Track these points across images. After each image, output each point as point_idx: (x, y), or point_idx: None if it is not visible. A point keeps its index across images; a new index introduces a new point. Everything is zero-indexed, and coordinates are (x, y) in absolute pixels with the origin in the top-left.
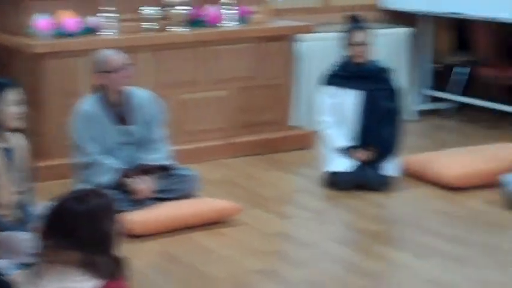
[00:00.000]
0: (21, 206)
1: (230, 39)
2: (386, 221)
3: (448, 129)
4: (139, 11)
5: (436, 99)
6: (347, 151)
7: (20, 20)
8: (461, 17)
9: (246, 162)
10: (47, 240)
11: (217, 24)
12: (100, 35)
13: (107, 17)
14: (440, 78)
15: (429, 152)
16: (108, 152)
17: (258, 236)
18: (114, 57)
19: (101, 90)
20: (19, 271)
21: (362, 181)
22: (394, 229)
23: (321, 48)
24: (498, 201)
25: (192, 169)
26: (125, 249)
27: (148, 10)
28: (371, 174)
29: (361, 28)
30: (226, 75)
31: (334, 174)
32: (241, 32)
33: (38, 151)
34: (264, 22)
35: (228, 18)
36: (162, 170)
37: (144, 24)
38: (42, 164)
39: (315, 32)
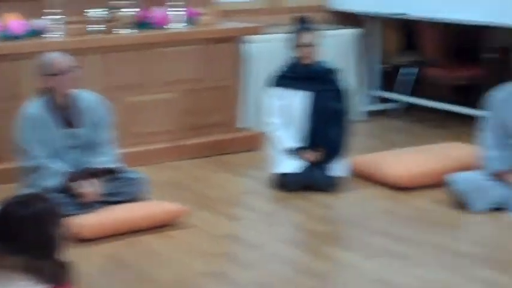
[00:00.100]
0: None
1: (177, 41)
2: (334, 221)
3: (396, 129)
4: (85, 13)
5: (384, 100)
6: (295, 152)
7: None
8: (408, 18)
9: (194, 164)
10: None
11: (165, 26)
12: (46, 37)
13: (53, 20)
14: (389, 79)
15: (377, 152)
16: (55, 155)
17: (206, 238)
18: (60, 59)
19: (47, 93)
20: None
21: (310, 182)
22: (342, 229)
23: (268, 50)
24: (445, 201)
25: (140, 172)
26: (72, 254)
27: (94, 12)
28: (319, 175)
29: (308, 29)
30: (173, 77)
31: (283, 175)
32: (189, 34)
33: None
34: (212, 24)
35: (175, 20)
36: (110, 173)
37: (91, 27)
38: None
39: (263, 34)
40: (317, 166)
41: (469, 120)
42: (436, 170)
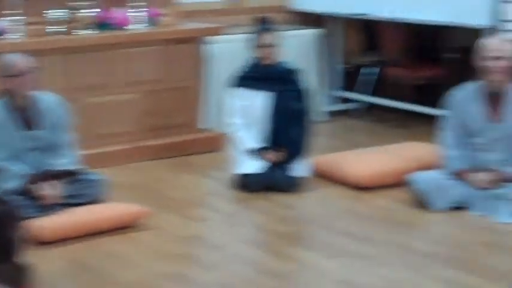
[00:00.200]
0: None
1: (138, 41)
2: (296, 221)
3: (357, 129)
4: (45, 14)
5: (346, 100)
6: (257, 153)
7: None
8: (369, 18)
9: (156, 165)
10: None
11: (125, 27)
12: (6, 38)
13: (12, 21)
14: (350, 79)
15: (339, 152)
16: (15, 157)
17: (168, 239)
18: (20, 61)
19: (6, 94)
20: None
21: (272, 182)
22: (304, 230)
23: (230, 50)
24: (406, 200)
25: (102, 173)
26: (32, 256)
27: (54, 13)
28: (281, 175)
29: (269, 30)
30: (134, 78)
31: (245, 176)
32: (150, 35)
33: None
34: (173, 24)
35: (136, 21)
36: (70, 175)
37: (51, 28)
38: None
39: (224, 34)
40: (279, 166)
41: (430, 119)
42: (397, 169)
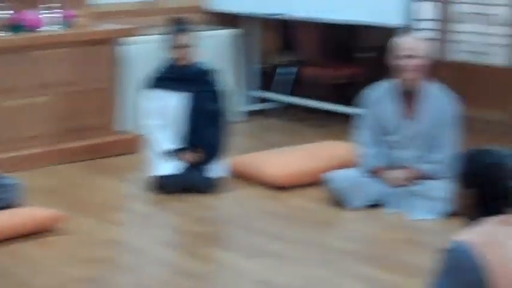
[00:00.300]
0: None
1: (52, 43)
2: (214, 222)
3: (275, 129)
4: None
5: (263, 100)
6: (173, 154)
7: None
8: (286, 18)
9: (72, 168)
10: None
11: (39, 29)
12: None
13: None
14: (268, 79)
15: (257, 152)
16: None
17: (85, 243)
18: None
19: None
20: None
21: (189, 183)
22: (223, 230)
23: (145, 52)
24: (323, 199)
25: (16, 178)
26: None
27: None
28: (198, 176)
29: (185, 30)
30: (49, 81)
31: (161, 177)
32: (64, 36)
33: None
34: (87, 26)
35: (49, 22)
36: None
37: None
38: None
39: (140, 35)
40: (196, 167)
41: (347, 118)
42: (314, 168)
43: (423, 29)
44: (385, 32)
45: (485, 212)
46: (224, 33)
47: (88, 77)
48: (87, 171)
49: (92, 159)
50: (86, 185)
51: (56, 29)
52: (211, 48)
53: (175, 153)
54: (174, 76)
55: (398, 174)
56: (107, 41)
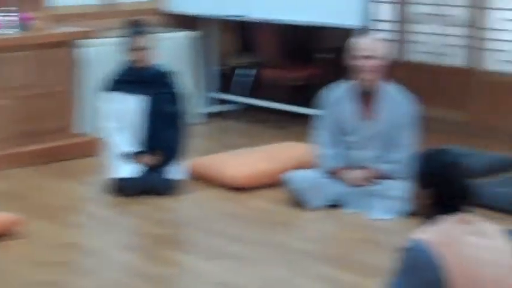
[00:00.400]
0: None
1: (10, 46)
2: (174, 224)
3: (235, 130)
4: None
5: (222, 102)
6: (132, 157)
7: None
8: (244, 19)
9: (30, 172)
10: None
11: None
12: None
13: None
14: (227, 81)
15: (216, 154)
16: None
17: (44, 247)
18: None
19: None
20: None
21: (149, 186)
22: (182, 233)
23: (104, 54)
24: (283, 200)
25: None
26: None
27: None
28: (157, 178)
29: (142, 33)
30: (6, 84)
31: (120, 180)
32: (21, 39)
33: None
34: (45, 28)
35: (6, 25)
36: None
37: None
38: None
39: (98, 38)
40: (155, 170)
41: (306, 119)
42: (274, 169)
43: (381, 29)
44: (344, 33)
45: (442, 211)
46: (182, 35)
47: (46, 80)
48: (46, 175)
49: (50, 162)
50: (44, 188)
51: (13, 32)
52: (170, 50)
53: (134, 156)
54: (132, 78)
55: (356, 174)
56: (65, 44)
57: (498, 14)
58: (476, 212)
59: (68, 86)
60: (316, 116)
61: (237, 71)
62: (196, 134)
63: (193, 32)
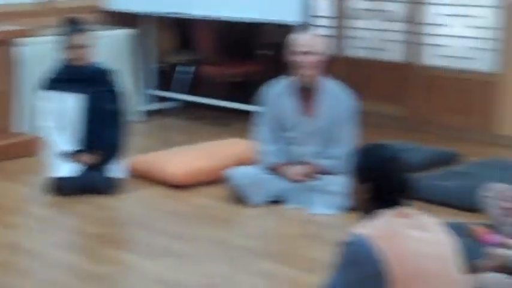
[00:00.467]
0: None
1: None
2: (115, 223)
3: (175, 128)
4: None
5: (162, 99)
6: (71, 156)
7: None
8: (182, 16)
9: None
10: None
11: None
12: None
13: None
14: (166, 78)
15: (156, 152)
16: None
17: None
18: None
19: None
20: None
21: (89, 185)
22: (124, 231)
23: (42, 53)
24: (224, 196)
25: None
26: None
27: None
28: (97, 177)
29: (80, 30)
30: None
31: (60, 179)
32: None
33: None
34: None
35: None
36: None
37: None
38: None
39: (36, 36)
40: (95, 168)
41: (246, 116)
42: (214, 166)
43: (320, 25)
44: (283, 29)
45: (381, 205)
46: (121, 33)
47: None
48: None
49: None
50: None
51: None
52: (108, 48)
53: (73, 155)
54: (71, 77)
55: (297, 170)
56: (2, 43)
57: (435, 9)
58: (415, 206)
59: (6, 86)
60: (257, 112)
61: (177, 68)
62: (136, 132)
63: (131, 30)
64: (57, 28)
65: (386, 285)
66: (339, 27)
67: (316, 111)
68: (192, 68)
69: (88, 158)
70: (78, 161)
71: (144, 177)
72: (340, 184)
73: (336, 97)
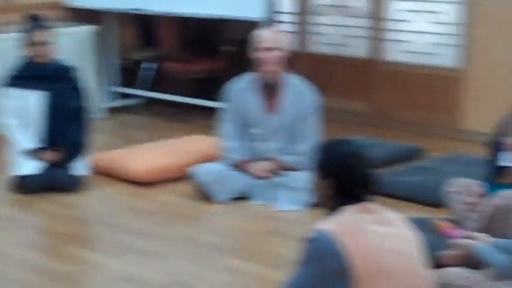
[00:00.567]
0: None
1: None
2: (79, 221)
3: (138, 125)
4: None
5: (126, 96)
6: (34, 153)
7: None
8: (145, 13)
9: None
10: None
11: None
12: None
13: None
14: (130, 75)
15: (119, 149)
16: None
17: None
18: None
19: None
20: None
21: (52, 183)
22: (88, 229)
23: (3, 50)
24: (189, 193)
25: None
26: None
27: None
28: (61, 175)
29: (41, 27)
30: None
31: (22, 177)
32: None
33: None
34: None
35: None
36: None
37: None
38: None
39: None
40: (58, 166)
41: (210, 112)
42: (179, 163)
43: (283, 21)
44: (247, 25)
45: (345, 201)
46: (83, 30)
47: None
48: None
49: None
50: None
51: None
52: (70, 45)
53: (35, 152)
54: (32, 74)
55: (262, 166)
56: None
57: (398, 5)
58: (378, 201)
59: None
60: (220, 108)
61: (142, 65)
62: (99, 129)
63: (94, 27)
64: (19, 25)
65: (351, 281)
66: (302, 23)
67: (279, 107)
68: (155, 65)
69: (51, 155)
70: (41, 159)
71: (108, 175)
72: (304, 180)
73: (299, 93)
